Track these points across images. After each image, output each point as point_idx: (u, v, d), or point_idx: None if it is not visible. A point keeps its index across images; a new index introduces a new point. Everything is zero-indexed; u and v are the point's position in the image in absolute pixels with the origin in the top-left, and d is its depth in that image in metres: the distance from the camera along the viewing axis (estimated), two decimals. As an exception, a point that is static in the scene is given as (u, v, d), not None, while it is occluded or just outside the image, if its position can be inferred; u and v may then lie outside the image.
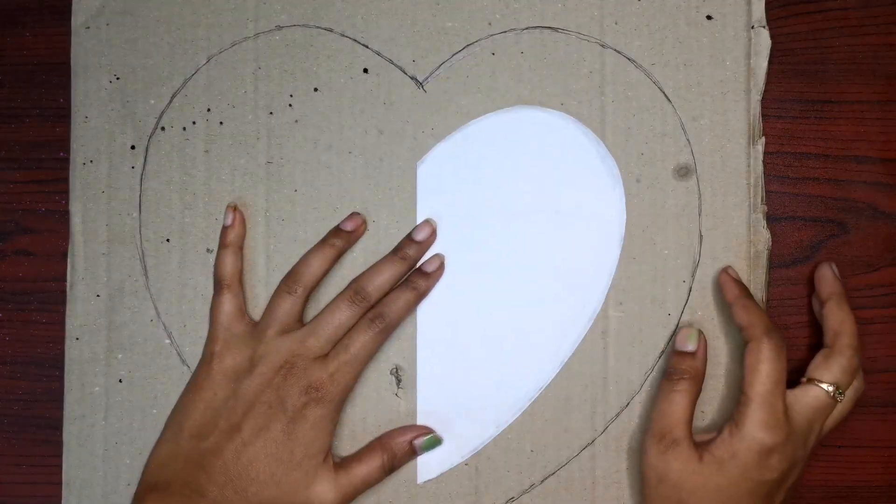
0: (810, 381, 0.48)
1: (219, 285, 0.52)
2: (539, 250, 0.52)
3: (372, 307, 0.50)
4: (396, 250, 0.52)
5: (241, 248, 0.52)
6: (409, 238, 0.52)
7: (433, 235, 0.52)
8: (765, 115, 0.53)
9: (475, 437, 0.52)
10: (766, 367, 0.47)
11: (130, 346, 0.53)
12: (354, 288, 0.51)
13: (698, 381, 0.49)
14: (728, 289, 0.50)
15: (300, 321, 0.51)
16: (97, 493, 0.52)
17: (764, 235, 0.52)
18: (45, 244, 0.55)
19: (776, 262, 0.53)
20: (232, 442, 0.48)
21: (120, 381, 0.53)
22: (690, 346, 0.49)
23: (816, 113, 0.53)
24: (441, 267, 0.52)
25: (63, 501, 0.53)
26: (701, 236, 0.52)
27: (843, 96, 0.53)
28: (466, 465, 0.52)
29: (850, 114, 0.53)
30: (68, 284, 0.53)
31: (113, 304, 0.53)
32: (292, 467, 0.48)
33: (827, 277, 0.51)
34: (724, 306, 0.51)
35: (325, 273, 0.51)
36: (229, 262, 0.52)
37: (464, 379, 0.52)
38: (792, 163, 0.53)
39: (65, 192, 0.54)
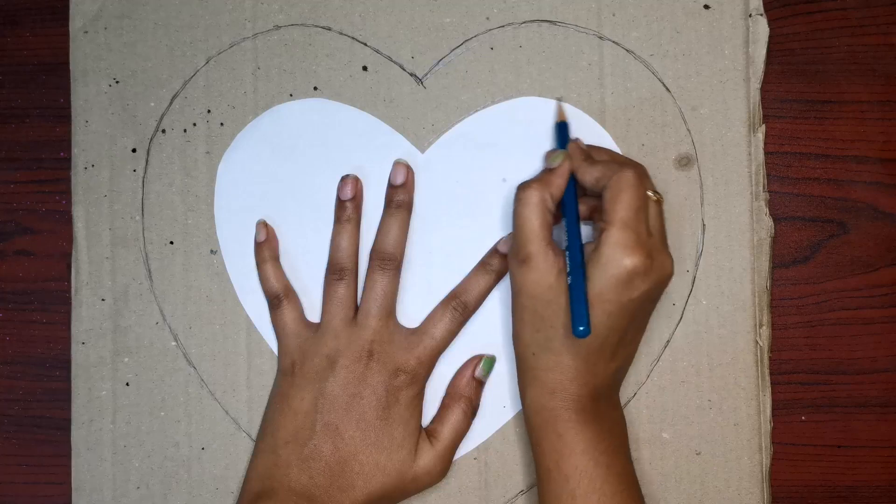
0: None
1: (274, 300, 0.52)
2: None
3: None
4: (389, 202, 0.52)
5: (278, 258, 0.53)
6: (391, 187, 0.52)
7: (412, 174, 0.52)
8: (765, 116, 0.53)
9: (480, 430, 0.53)
10: (626, 194, 0.45)
11: (136, 350, 0.53)
12: (378, 255, 0.51)
13: (545, 193, 0.47)
14: (574, 154, 0.49)
15: (356, 303, 0.52)
16: (107, 496, 0.53)
17: (766, 223, 0.52)
18: (46, 244, 0.55)
19: (776, 262, 0.53)
20: (331, 441, 0.48)
21: (127, 384, 0.53)
22: (556, 163, 0.49)
23: (816, 113, 0.53)
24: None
25: (73, 505, 0.53)
26: (703, 225, 0.52)
27: (843, 96, 0.53)
28: (475, 459, 0.52)
29: (850, 114, 0.53)
30: (73, 289, 0.53)
31: (118, 307, 0.53)
32: (394, 449, 0.49)
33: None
34: (730, 295, 0.52)
35: (358, 246, 0.52)
36: (273, 275, 0.52)
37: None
38: (792, 163, 0.53)
39: (65, 193, 0.54)
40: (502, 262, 0.52)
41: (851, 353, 0.53)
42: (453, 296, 0.51)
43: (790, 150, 0.53)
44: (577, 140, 0.50)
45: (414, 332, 0.51)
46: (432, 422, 0.51)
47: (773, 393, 0.52)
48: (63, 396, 0.54)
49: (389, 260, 0.51)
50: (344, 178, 0.52)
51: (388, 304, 0.51)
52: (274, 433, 0.50)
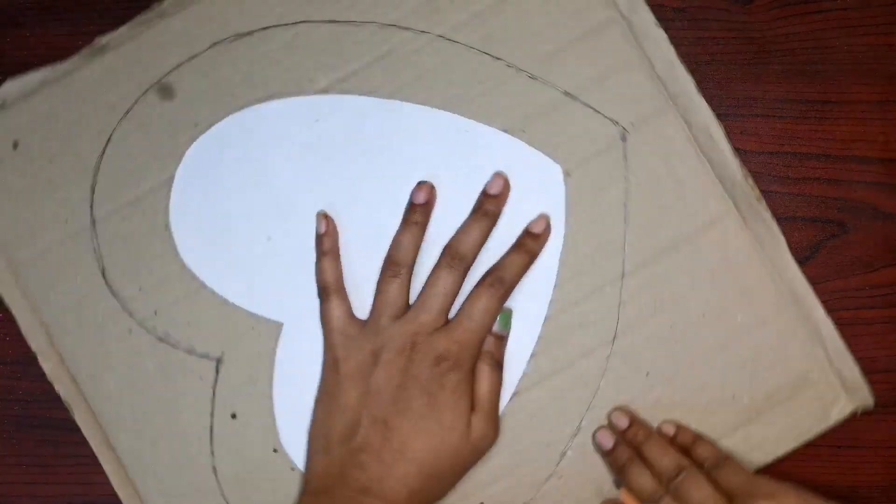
0: None
1: (325, 292, 0.52)
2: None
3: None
4: (477, 209, 0.52)
5: (338, 253, 0.53)
6: (485, 194, 0.52)
7: (507, 185, 0.53)
8: (765, 115, 0.53)
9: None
10: None
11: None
12: (450, 253, 0.51)
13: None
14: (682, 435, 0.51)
15: (409, 303, 0.52)
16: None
17: None
18: (47, 244, 0.55)
19: (776, 262, 0.53)
20: (380, 434, 0.49)
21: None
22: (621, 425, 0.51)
23: (816, 113, 0.53)
24: (548, 226, 0.53)
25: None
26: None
27: (843, 96, 0.53)
28: None
29: (850, 114, 0.53)
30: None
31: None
32: (446, 433, 0.49)
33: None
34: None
35: (418, 249, 0.52)
36: (330, 267, 0.52)
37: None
38: (792, 163, 0.53)
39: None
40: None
41: (852, 352, 0.53)
42: (488, 275, 0.52)
43: (790, 150, 0.53)
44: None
45: (454, 317, 0.51)
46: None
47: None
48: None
49: (461, 259, 0.51)
50: (420, 184, 0.52)
51: (446, 304, 0.51)
52: (326, 433, 0.50)
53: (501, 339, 0.52)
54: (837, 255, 0.53)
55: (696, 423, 0.52)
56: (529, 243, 0.52)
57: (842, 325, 0.53)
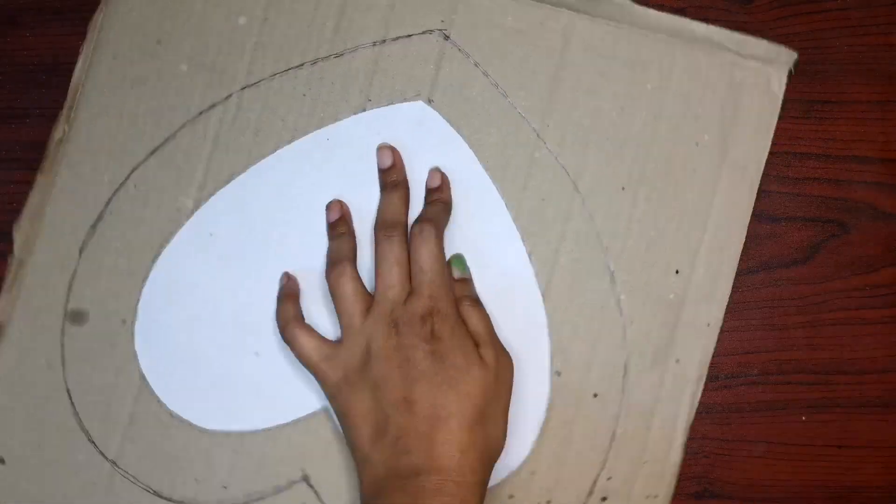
0: None
1: (285, 332, 0.51)
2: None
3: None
4: (384, 185, 0.53)
5: (292, 293, 0.53)
6: (382, 171, 0.53)
7: (397, 154, 0.53)
8: (765, 115, 0.53)
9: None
10: None
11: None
12: (382, 226, 0.51)
13: None
14: None
15: (369, 293, 0.51)
16: None
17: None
18: (47, 244, 0.55)
19: (776, 262, 0.53)
20: (406, 412, 0.48)
21: None
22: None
23: (816, 113, 0.53)
24: (443, 175, 0.53)
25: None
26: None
27: (843, 96, 0.53)
28: None
29: (850, 114, 0.53)
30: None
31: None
32: (464, 374, 0.48)
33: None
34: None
35: (354, 250, 0.52)
36: (287, 308, 0.52)
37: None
38: (792, 163, 0.54)
39: (65, 193, 0.54)
40: (442, 192, 0.53)
41: (851, 353, 0.53)
42: (414, 226, 0.51)
43: (790, 150, 0.54)
44: None
45: (413, 281, 0.51)
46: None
47: (773, 393, 0.53)
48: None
49: (392, 227, 0.51)
50: (328, 206, 0.53)
51: (403, 272, 0.50)
52: (358, 447, 0.49)
53: (466, 281, 0.52)
54: (837, 255, 0.53)
55: (693, 196, 0.53)
56: (436, 195, 0.53)
57: (842, 325, 0.53)
